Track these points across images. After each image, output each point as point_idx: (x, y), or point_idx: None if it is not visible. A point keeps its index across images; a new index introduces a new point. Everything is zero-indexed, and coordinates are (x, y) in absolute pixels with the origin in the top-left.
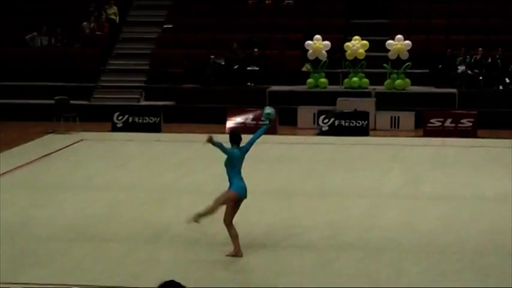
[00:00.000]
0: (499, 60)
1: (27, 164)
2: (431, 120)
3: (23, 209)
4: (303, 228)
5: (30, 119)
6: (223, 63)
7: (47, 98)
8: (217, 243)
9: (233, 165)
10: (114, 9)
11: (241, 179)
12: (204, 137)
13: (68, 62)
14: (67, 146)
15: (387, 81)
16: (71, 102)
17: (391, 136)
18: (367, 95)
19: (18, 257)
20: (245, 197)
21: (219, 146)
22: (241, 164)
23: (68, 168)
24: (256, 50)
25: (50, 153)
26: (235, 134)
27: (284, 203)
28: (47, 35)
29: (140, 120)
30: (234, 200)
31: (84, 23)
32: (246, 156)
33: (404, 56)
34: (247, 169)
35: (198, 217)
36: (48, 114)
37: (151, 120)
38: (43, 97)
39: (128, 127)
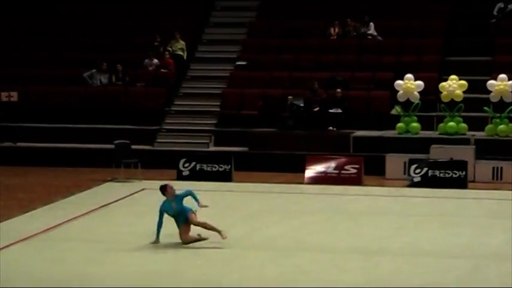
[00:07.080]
0: None
1: (82, 215)
2: None
3: (77, 265)
4: None
5: (87, 165)
6: (302, 104)
7: (106, 142)
8: None
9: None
10: (182, 44)
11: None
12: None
13: (129, 103)
14: (127, 196)
15: (488, 127)
16: (133, 147)
17: (493, 189)
18: (465, 141)
19: None
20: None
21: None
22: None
23: (128, 221)
24: (339, 90)
25: (108, 204)
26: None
27: (369, 262)
28: (106, 72)
29: (209, 168)
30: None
31: (146, 60)
32: (327, 208)
33: (508, 98)
34: (328, 223)
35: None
36: (107, 160)
37: (222, 168)
38: (102, 141)
39: (196, 175)
